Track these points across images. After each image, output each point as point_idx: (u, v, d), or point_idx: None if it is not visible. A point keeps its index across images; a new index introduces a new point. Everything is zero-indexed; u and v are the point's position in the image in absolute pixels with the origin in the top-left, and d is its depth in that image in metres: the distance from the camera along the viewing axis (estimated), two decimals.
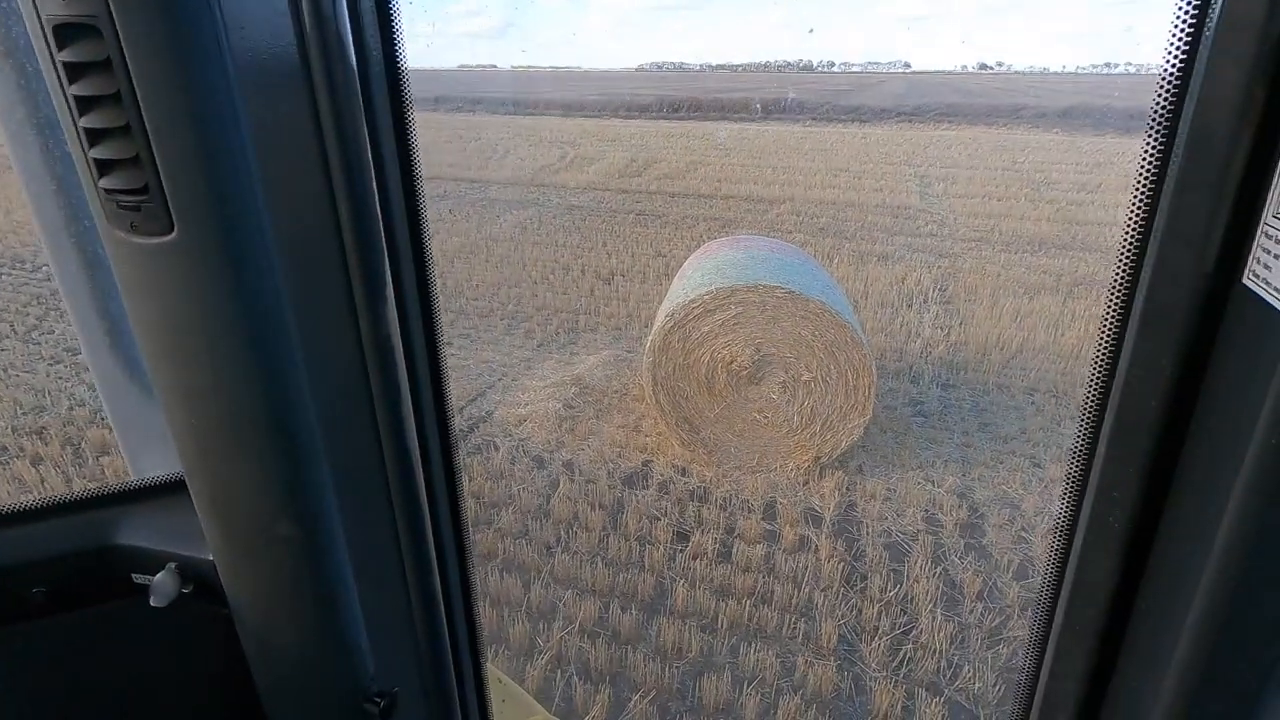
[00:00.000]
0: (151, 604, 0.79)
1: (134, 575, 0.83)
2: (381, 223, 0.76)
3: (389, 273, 0.76)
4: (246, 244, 0.62)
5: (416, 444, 0.85)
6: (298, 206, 0.70)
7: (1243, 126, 0.43)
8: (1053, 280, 8.62)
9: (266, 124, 0.64)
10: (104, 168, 0.57)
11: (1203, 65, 0.44)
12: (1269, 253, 0.42)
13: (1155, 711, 0.53)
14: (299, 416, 0.71)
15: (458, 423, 5.53)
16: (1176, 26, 0.45)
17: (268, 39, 0.63)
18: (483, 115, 30.29)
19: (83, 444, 5.13)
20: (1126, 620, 0.60)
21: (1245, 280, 0.45)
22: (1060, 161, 16.74)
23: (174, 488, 0.85)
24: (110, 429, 5.24)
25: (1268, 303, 0.42)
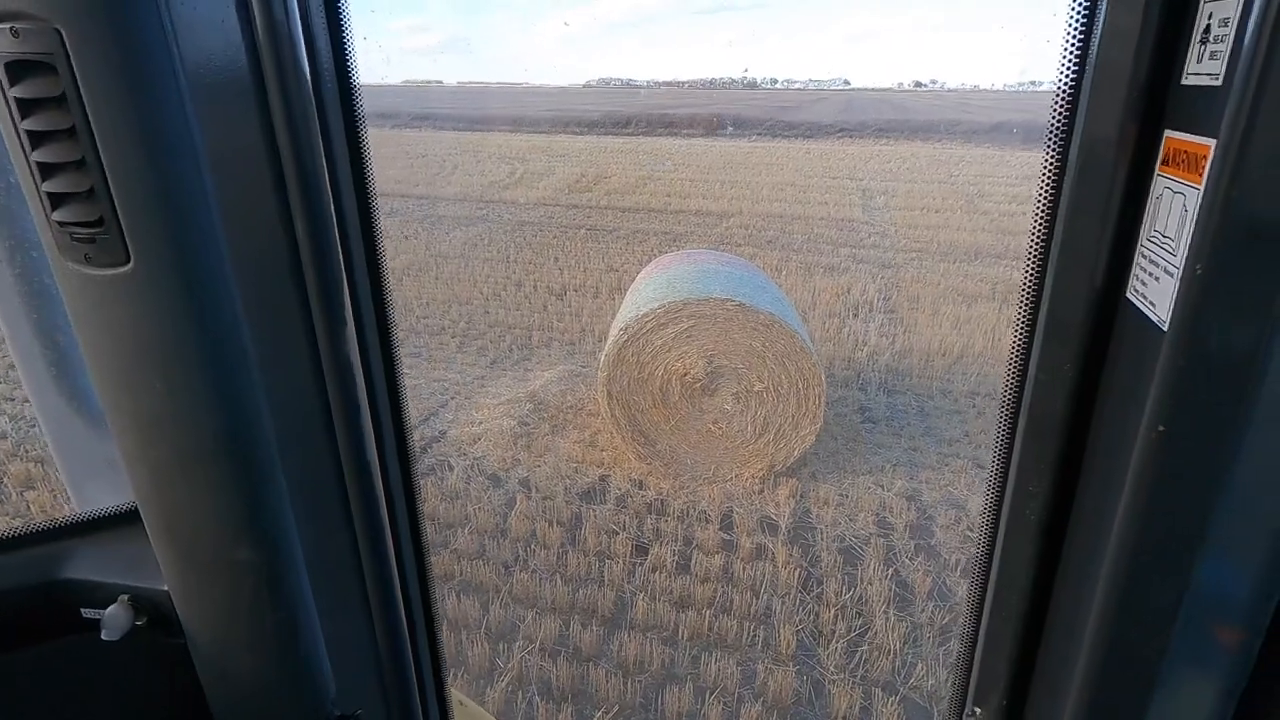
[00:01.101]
0: (103, 638, 0.78)
1: (84, 610, 0.81)
2: (339, 240, 0.77)
3: (348, 294, 0.78)
4: (204, 270, 0.63)
5: (377, 465, 0.86)
6: (255, 229, 0.71)
7: (1120, 160, 0.50)
8: (989, 288, 9.00)
9: (223, 149, 0.65)
10: (57, 201, 0.58)
11: (1085, 107, 0.50)
12: (1145, 270, 0.48)
13: (1075, 681, 0.59)
14: (257, 440, 0.71)
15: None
16: (1063, 73, 0.51)
17: (223, 64, 0.64)
18: (430, 131, 29.98)
19: (4, 479, 4.85)
20: (1047, 601, 0.66)
21: (1129, 294, 0.51)
22: (992, 174, 17.53)
23: (125, 518, 0.83)
24: (36, 463, 4.96)
25: (1144, 313, 0.48)
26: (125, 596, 0.80)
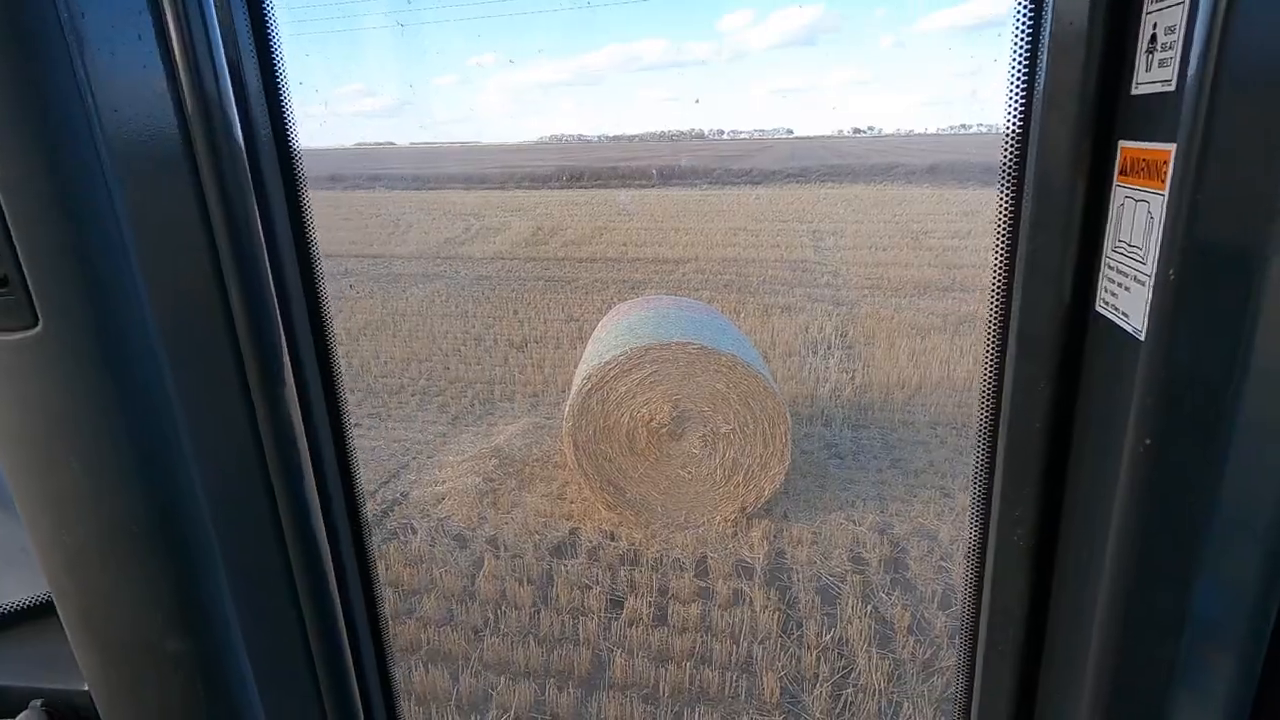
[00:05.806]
0: None
1: None
2: (278, 307, 0.73)
3: (288, 357, 0.73)
4: (123, 335, 0.58)
5: (326, 542, 0.80)
6: (185, 293, 0.66)
7: (1077, 174, 0.49)
8: (939, 320, 9.26)
9: (147, 210, 0.61)
10: None
11: (1038, 125, 0.50)
12: (1113, 281, 0.47)
13: (1080, 710, 0.55)
14: (189, 518, 0.65)
15: (369, 508, 5.23)
16: (1012, 93, 0.51)
17: (146, 122, 0.61)
18: (382, 191, 29.99)
19: None
20: (1044, 629, 0.63)
21: (1098, 307, 0.50)
22: (933, 213, 18.27)
23: (35, 613, 0.75)
24: None
25: (1117, 325, 0.46)
26: (38, 701, 0.72)
